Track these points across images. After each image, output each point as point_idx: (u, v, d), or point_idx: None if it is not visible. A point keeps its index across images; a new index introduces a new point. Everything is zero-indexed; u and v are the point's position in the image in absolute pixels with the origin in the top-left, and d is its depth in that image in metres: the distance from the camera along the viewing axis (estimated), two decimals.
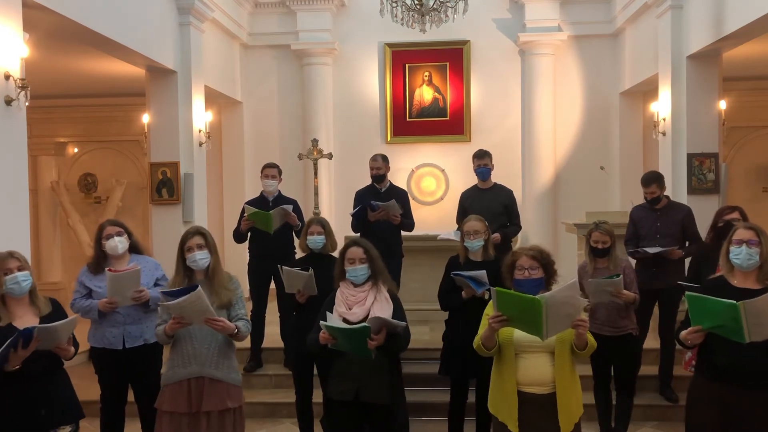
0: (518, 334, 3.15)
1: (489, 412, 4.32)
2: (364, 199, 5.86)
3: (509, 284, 3.34)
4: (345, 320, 3.54)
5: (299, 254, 6.18)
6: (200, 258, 3.56)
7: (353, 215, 5.77)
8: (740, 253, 3.07)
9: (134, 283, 4.00)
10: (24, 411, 3.27)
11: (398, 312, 3.61)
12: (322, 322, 3.44)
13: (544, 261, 3.31)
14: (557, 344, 3.15)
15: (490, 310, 3.31)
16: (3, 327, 3.24)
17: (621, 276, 4.32)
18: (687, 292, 2.99)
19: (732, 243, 3.12)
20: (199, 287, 3.32)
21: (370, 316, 3.51)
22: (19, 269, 3.31)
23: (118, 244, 4.14)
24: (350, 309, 3.58)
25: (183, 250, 3.61)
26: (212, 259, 3.61)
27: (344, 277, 3.69)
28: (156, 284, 4.25)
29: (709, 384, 3.10)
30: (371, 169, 5.99)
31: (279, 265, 4.51)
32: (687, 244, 5.30)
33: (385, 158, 6.04)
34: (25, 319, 3.31)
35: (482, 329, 3.26)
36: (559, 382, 3.16)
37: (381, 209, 5.58)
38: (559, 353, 3.16)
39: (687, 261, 5.23)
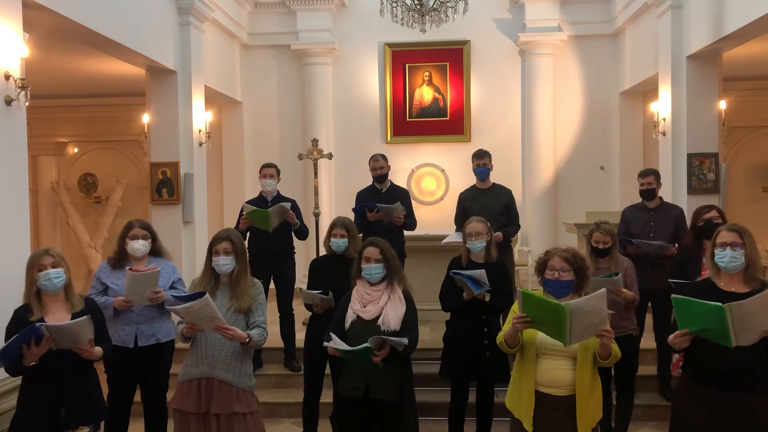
0: (541, 336, 3.15)
1: (490, 413, 4.39)
2: (365, 200, 5.81)
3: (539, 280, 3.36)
4: (359, 317, 3.63)
5: (298, 254, 6.24)
6: (223, 263, 3.60)
7: (354, 211, 5.75)
8: (725, 256, 3.05)
9: (153, 283, 4.06)
10: (44, 410, 3.32)
11: (410, 312, 3.67)
12: (325, 344, 3.48)
13: (577, 265, 3.29)
14: (580, 351, 3.13)
15: (516, 308, 3.31)
16: (35, 321, 3.32)
17: (620, 275, 4.33)
18: (673, 295, 2.95)
19: (716, 246, 3.10)
20: (207, 295, 3.30)
21: (382, 316, 3.60)
22: (53, 266, 3.39)
23: (140, 246, 4.21)
24: (364, 307, 3.66)
25: (210, 252, 3.65)
26: (237, 265, 3.63)
27: (361, 275, 3.75)
28: (172, 287, 4.30)
29: (695, 386, 3.09)
30: (373, 169, 5.93)
31: (299, 288, 4.47)
32: (676, 245, 5.21)
33: (385, 157, 6.01)
34: (58, 315, 3.41)
35: (507, 326, 3.28)
36: (580, 388, 3.14)
37: (382, 211, 5.55)
38: (582, 360, 3.14)
39: None
